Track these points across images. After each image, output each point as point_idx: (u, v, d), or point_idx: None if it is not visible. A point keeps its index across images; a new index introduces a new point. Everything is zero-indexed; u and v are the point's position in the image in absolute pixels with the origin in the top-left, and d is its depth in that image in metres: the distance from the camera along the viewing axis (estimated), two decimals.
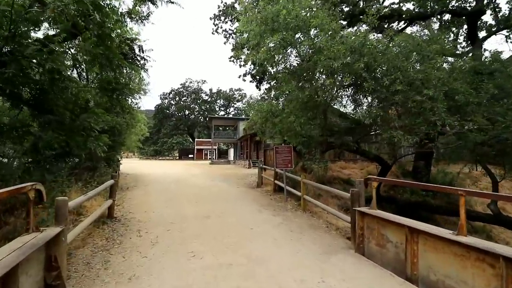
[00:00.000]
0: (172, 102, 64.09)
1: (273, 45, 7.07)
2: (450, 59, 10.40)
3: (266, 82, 12.07)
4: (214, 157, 44.28)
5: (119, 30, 5.78)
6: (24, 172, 4.49)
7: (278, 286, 3.28)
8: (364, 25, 7.33)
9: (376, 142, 16.23)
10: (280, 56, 6.72)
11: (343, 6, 11.72)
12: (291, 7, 6.64)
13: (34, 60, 3.89)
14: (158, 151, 60.14)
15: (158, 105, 63.44)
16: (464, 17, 11.73)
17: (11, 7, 3.49)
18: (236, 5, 13.67)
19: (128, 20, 6.28)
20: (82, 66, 5.57)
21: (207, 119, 49.89)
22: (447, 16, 14.45)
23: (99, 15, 4.27)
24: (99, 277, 3.43)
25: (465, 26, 15.47)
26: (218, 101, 66.55)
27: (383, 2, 12.86)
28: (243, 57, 7.76)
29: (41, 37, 4.23)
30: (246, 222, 6.07)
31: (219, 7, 14.87)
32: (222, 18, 14.34)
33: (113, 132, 9.61)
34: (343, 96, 8.03)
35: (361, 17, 8.17)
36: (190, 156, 55.33)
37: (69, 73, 5.56)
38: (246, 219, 6.32)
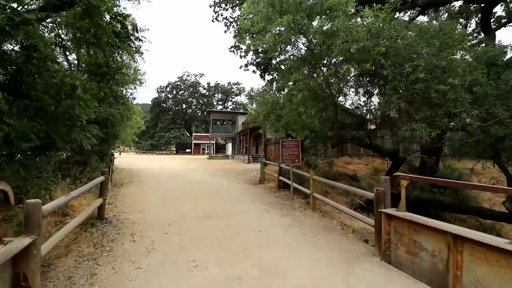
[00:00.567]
0: (169, 95, 63.03)
1: (282, 28, 6.39)
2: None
3: (270, 72, 11.34)
4: (212, 151, 43.62)
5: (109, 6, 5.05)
6: None
7: None
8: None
9: (380, 136, 15.72)
10: (292, 39, 6.03)
11: None
12: None
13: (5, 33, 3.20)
14: (155, 146, 59.29)
15: (154, 98, 62.38)
16: (481, 4, 11.08)
17: None
18: None
19: None
20: (67, 46, 4.87)
21: (205, 113, 49.05)
22: (459, 3, 13.85)
23: None
24: None
25: (475, 17, 14.88)
26: (216, 95, 65.59)
27: None
28: (247, 42, 7.07)
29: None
30: (252, 223, 5.48)
31: None
32: (223, 5, 13.55)
33: (106, 124, 8.92)
34: (356, 86, 7.39)
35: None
36: (187, 150, 54.59)
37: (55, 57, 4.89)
38: (252, 220, 5.73)
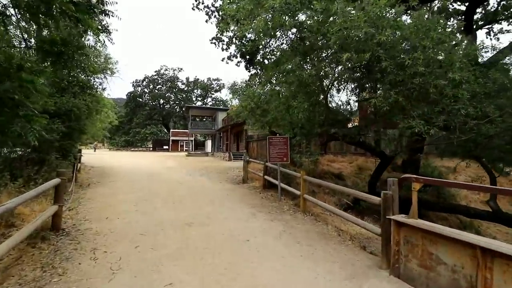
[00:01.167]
0: (145, 90, 60.34)
1: (272, 13, 5.73)
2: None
3: (256, 64, 10.64)
4: (191, 148, 42.26)
5: None
6: None
7: None
8: None
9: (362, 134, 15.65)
10: (287, 22, 5.38)
11: None
12: None
13: None
14: (130, 142, 56.54)
15: (130, 92, 59.43)
16: (466, 3, 11.12)
17: None
18: None
19: None
20: (8, 14, 3.87)
21: (184, 108, 47.45)
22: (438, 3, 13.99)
23: None
24: None
25: (455, 17, 15.15)
26: (195, 90, 63.78)
27: None
28: (232, 28, 6.35)
29: None
30: (239, 231, 4.82)
31: None
32: None
33: (69, 117, 7.82)
34: (347, 81, 6.93)
35: None
36: (165, 147, 52.54)
37: None
38: (238, 226, 5.07)
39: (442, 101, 5.91)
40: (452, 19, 14.49)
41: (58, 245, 3.86)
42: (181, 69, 63.23)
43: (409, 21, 6.96)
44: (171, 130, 55.60)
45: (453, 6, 14.37)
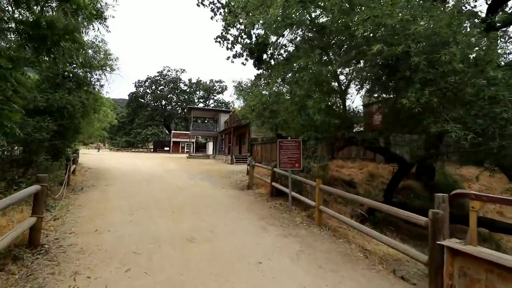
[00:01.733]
0: (147, 90, 59.96)
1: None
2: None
3: (265, 61, 9.96)
4: (192, 150, 41.63)
5: None
6: None
7: None
8: None
9: (383, 139, 14.91)
10: (301, 12, 4.72)
11: None
12: None
13: None
14: (131, 143, 56.02)
15: (132, 93, 59.06)
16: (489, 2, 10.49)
17: None
18: None
19: None
20: None
21: (186, 110, 46.86)
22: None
23: None
24: None
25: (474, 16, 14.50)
26: (198, 92, 63.34)
27: None
28: (240, 21, 5.70)
29: None
30: (249, 249, 4.13)
31: None
32: None
33: (62, 114, 7.17)
34: (369, 79, 6.26)
35: None
36: (165, 148, 51.98)
37: None
38: (248, 243, 4.38)
39: (478, 103, 5.24)
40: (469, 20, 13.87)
41: (32, 267, 3.18)
42: (184, 70, 62.69)
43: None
44: (172, 131, 55.08)
45: (468, 6, 13.75)
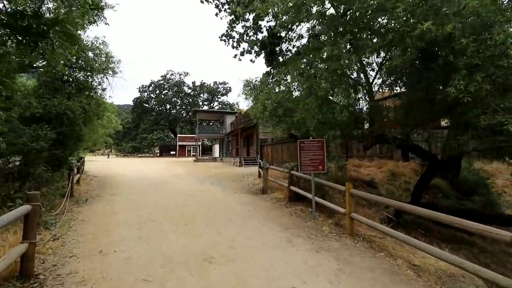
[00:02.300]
0: (152, 95, 59.88)
1: None
2: None
3: (276, 57, 9.29)
4: (198, 153, 41.19)
5: None
6: None
7: None
8: None
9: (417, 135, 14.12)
10: None
11: None
12: None
13: None
14: (137, 148, 55.94)
15: (136, 98, 59.05)
16: None
17: None
18: None
19: None
20: None
21: (191, 113, 46.58)
22: None
23: None
24: None
25: None
26: (202, 95, 63.03)
27: None
28: (258, 4, 5.07)
29: None
30: (278, 269, 3.50)
31: None
32: None
33: (61, 121, 6.66)
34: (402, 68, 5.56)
35: None
36: (172, 152, 51.72)
37: None
38: (275, 262, 3.75)
39: None
40: None
41: None
42: (187, 73, 62.51)
43: None
44: (178, 135, 54.82)
45: None
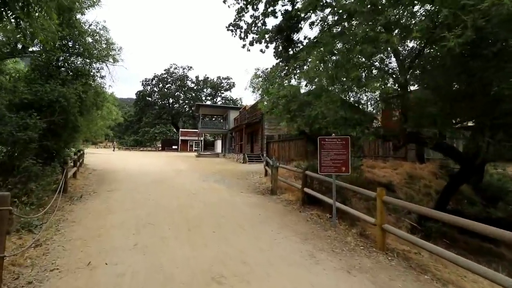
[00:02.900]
0: (155, 89, 59.18)
1: None
2: None
3: (294, 46, 8.45)
4: (200, 149, 40.56)
5: None
6: None
7: None
8: None
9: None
10: None
11: None
12: None
13: None
14: (139, 141, 55.41)
15: (139, 91, 58.38)
16: None
17: None
18: None
19: None
20: None
21: (194, 107, 45.85)
22: None
23: None
24: None
25: None
26: (205, 89, 62.25)
27: None
28: None
29: None
30: None
31: None
32: None
33: (53, 110, 5.98)
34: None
35: None
36: (174, 147, 51.16)
37: None
38: (299, 285, 3.07)
39: None
40: None
41: None
42: (191, 67, 61.54)
43: None
44: (180, 129, 54.21)
45: None
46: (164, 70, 59.56)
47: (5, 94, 4.82)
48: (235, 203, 7.10)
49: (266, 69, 8.79)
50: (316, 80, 5.38)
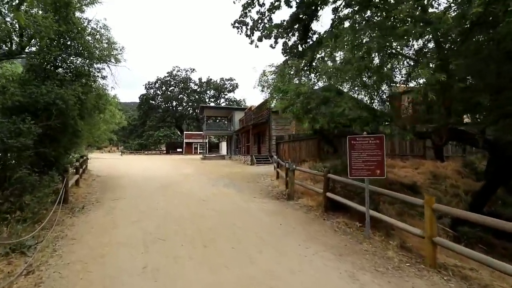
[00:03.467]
0: (158, 92, 58.96)
1: None
2: None
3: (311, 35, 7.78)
4: (205, 151, 40.09)
5: None
6: None
7: None
8: None
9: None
10: None
11: None
12: None
13: None
14: (143, 145, 55.17)
15: (142, 95, 58.23)
16: None
17: None
18: None
19: None
20: None
21: (198, 109, 45.44)
22: None
23: None
24: None
25: None
26: (208, 91, 61.83)
27: None
28: None
29: None
30: None
31: None
32: None
33: (50, 113, 5.44)
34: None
35: None
36: (178, 150, 50.76)
37: None
38: None
39: None
40: None
41: None
42: (194, 69, 61.20)
43: None
44: (184, 132, 53.86)
45: None
46: (167, 73, 59.34)
47: None
48: (250, 210, 6.49)
49: (278, 64, 8.15)
50: (347, 74, 4.73)
